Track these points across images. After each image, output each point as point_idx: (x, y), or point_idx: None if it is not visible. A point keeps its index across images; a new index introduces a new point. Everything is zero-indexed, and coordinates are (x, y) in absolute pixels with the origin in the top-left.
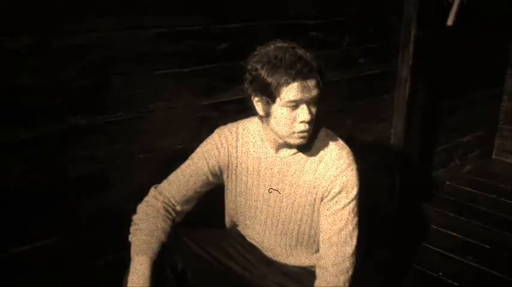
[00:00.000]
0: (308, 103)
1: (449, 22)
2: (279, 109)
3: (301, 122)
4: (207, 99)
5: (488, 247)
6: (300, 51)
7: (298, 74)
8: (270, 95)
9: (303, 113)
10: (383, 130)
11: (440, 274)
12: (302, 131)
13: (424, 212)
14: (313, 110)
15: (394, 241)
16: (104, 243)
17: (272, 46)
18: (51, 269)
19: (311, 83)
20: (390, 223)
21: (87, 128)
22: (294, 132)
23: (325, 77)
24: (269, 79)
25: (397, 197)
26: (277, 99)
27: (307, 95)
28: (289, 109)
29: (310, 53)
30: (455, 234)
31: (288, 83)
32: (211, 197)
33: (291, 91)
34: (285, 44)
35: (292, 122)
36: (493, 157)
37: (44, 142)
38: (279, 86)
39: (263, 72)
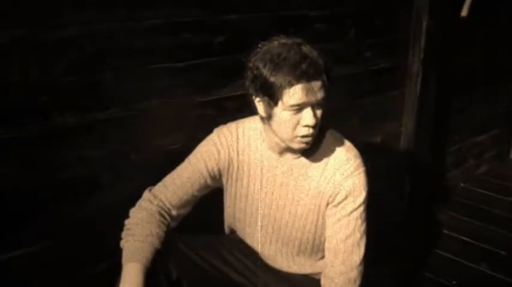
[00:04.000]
0: (313, 106)
1: (463, 13)
2: (281, 112)
3: (304, 126)
4: (204, 96)
5: (504, 253)
6: (306, 49)
7: (303, 75)
8: (272, 97)
9: (307, 117)
10: (392, 129)
11: (454, 282)
12: (305, 136)
13: (436, 216)
14: (318, 113)
15: (404, 246)
16: (96, 248)
17: (276, 43)
18: (39, 276)
19: (316, 84)
20: (400, 228)
21: (77, 127)
22: (296, 137)
23: (332, 75)
24: (271, 79)
25: (408, 200)
26: (280, 102)
27: (312, 98)
28: (293, 112)
29: (316, 50)
30: (469, 239)
31: (292, 85)
32: (210, 201)
33: (294, 94)
34: (290, 41)
35: (295, 126)
36: (510, 157)
37: (31, 142)
38: (281, 88)
39: (265, 72)
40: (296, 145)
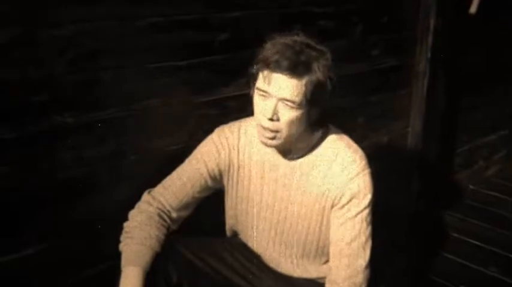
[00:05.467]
0: (280, 101)
1: (472, 10)
2: (254, 93)
3: (263, 115)
4: (205, 95)
5: None
6: (304, 49)
7: (275, 64)
8: (254, 75)
9: (266, 106)
10: (399, 129)
11: None
12: (263, 127)
13: (444, 219)
14: (285, 113)
15: (411, 250)
16: (94, 251)
17: (291, 36)
18: (37, 279)
19: (286, 81)
20: (407, 231)
21: (75, 127)
22: (259, 125)
23: (325, 93)
24: (258, 57)
25: (415, 202)
26: (256, 82)
27: (274, 90)
28: (261, 98)
29: (323, 61)
30: (478, 242)
31: (264, 69)
32: (211, 202)
33: (262, 78)
34: (301, 39)
35: (259, 113)
36: None
37: (28, 142)
38: (258, 69)
39: (263, 49)
40: (259, 137)
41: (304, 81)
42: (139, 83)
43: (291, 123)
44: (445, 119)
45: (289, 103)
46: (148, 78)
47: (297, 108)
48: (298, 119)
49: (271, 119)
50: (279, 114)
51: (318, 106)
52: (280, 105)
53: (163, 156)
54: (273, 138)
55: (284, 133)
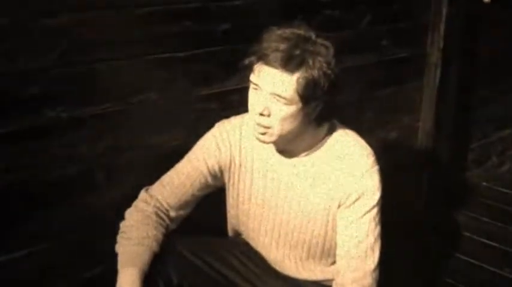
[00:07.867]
0: (271, 95)
1: None
2: (249, 87)
3: (254, 110)
4: (205, 89)
5: None
6: (303, 42)
7: (268, 56)
8: (249, 68)
9: (257, 101)
10: (409, 124)
11: None
12: (255, 121)
13: (456, 217)
14: (276, 108)
15: (422, 250)
16: (89, 253)
17: (294, 27)
18: (29, 283)
19: (277, 75)
20: (417, 231)
21: (69, 122)
22: (251, 120)
23: (321, 90)
24: (254, 47)
25: (426, 201)
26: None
27: (264, 83)
28: (253, 92)
29: (325, 57)
30: (491, 242)
31: (257, 60)
32: (212, 199)
33: (255, 71)
34: (302, 32)
35: (250, 108)
36: None
37: (20, 138)
38: (251, 60)
39: (259, 40)
40: (254, 133)
41: (296, 76)
42: (137, 76)
43: (283, 119)
44: (457, 113)
45: (279, 99)
46: (146, 71)
47: (288, 105)
48: (291, 116)
49: (261, 114)
50: (271, 110)
51: (313, 103)
52: (272, 100)
53: (162, 152)
54: (264, 133)
55: (276, 130)
